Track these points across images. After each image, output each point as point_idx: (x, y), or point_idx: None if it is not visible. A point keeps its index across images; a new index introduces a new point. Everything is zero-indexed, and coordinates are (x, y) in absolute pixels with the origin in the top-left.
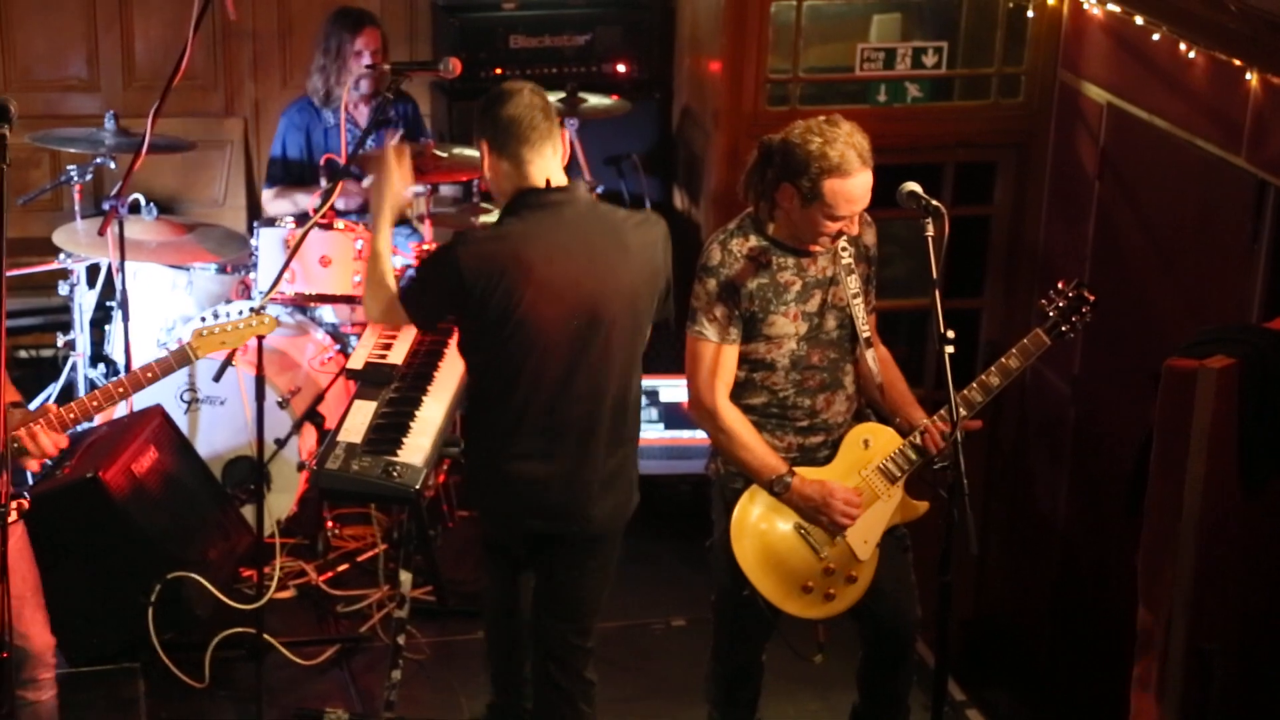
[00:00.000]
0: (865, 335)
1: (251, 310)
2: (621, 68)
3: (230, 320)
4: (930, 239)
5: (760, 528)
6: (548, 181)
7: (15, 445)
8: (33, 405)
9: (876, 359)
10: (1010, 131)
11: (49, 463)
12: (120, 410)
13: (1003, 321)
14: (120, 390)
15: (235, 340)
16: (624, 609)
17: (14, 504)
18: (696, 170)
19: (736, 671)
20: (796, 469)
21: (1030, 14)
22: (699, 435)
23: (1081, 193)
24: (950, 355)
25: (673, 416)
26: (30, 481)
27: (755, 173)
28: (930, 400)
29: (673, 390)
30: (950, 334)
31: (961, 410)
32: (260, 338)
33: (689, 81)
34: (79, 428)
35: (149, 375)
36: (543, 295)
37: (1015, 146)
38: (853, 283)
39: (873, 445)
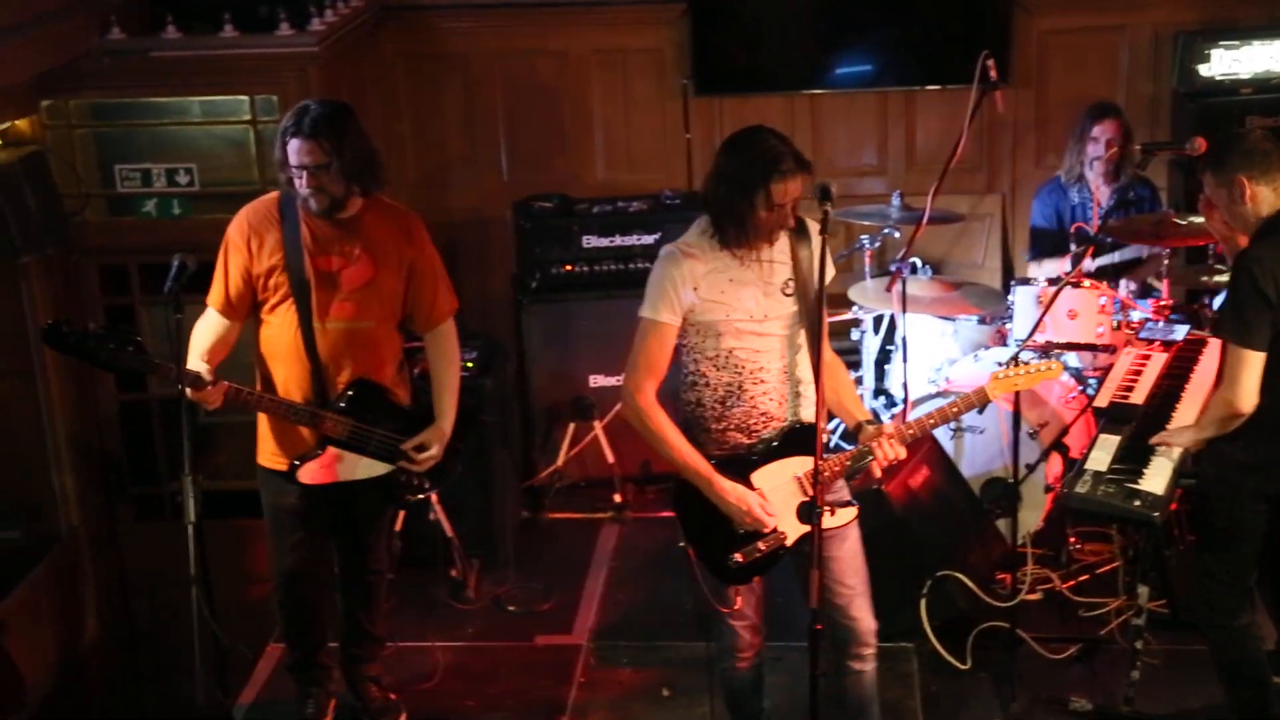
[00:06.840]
0: None
1: (1042, 357)
2: None
3: (1024, 365)
4: None
5: None
6: None
7: (865, 450)
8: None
9: None
10: None
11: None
12: None
13: None
14: (931, 421)
15: (1026, 384)
16: None
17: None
18: None
19: None
20: None
21: None
22: None
23: None
24: None
25: None
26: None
27: None
28: None
29: None
30: None
31: None
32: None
33: None
34: None
35: (954, 410)
36: None
37: None
38: None
39: None
